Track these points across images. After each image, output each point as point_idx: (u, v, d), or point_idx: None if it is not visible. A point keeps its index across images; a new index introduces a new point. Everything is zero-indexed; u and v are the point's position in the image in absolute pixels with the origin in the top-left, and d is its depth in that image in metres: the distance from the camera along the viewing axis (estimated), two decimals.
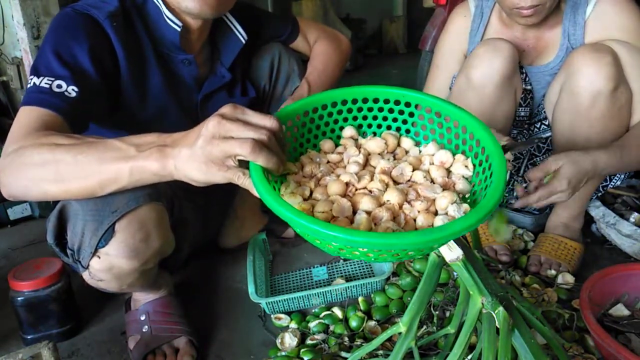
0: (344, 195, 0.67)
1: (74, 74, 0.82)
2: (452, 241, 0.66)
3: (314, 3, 3.90)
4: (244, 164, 0.62)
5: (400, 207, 0.65)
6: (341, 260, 1.28)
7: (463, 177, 0.70)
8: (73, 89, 0.81)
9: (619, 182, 1.23)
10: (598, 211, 1.27)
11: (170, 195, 0.93)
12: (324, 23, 3.81)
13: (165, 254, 0.92)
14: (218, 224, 1.32)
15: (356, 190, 0.68)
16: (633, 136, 1.04)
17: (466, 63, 1.14)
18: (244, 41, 1.08)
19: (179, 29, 0.95)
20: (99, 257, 0.81)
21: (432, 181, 0.70)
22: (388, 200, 0.65)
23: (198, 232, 1.18)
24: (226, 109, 0.63)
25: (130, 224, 0.80)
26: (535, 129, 1.23)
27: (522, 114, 1.19)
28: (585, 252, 1.23)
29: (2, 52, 2.23)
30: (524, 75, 1.17)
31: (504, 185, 0.61)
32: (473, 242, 1.25)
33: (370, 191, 0.67)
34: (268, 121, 0.62)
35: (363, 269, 1.24)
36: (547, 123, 1.20)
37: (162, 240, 0.87)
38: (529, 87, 1.18)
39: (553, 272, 1.14)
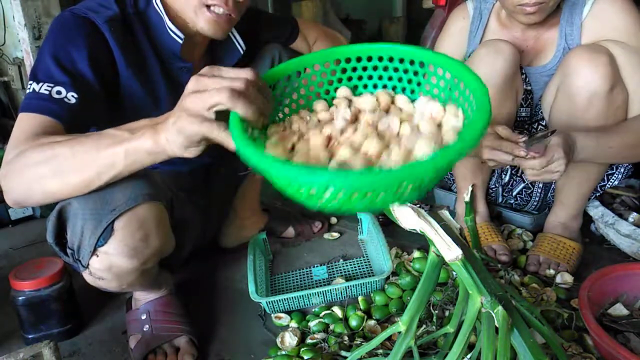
0: (326, 148, 0.64)
1: (73, 79, 0.83)
2: (451, 240, 0.67)
3: (314, 4, 3.90)
4: (222, 117, 0.62)
5: (379, 156, 0.61)
6: (341, 260, 1.29)
7: (453, 129, 0.63)
8: (73, 95, 0.82)
9: (616, 182, 1.23)
10: (597, 211, 1.27)
11: (171, 196, 0.93)
12: (324, 24, 3.81)
13: (166, 254, 0.92)
14: (218, 224, 1.33)
15: (338, 143, 0.64)
16: (618, 129, 1.04)
17: (467, 64, 1.14)
18: (242, 52, 1.08)
19: (180, 42, 0.95)
20: (98, 256, 0.81)
21: None
22: (367, 152, 0.61)
23: (198, 232, 1.19)
24: (203, 69, 0.65)
25: (129, 223, 0.80)
26: (533, 130, 1.23)
27: (524, 114, 1.19)
28: (584, 252, 1.23)
29: (3, 53, 2.24)
30: (524, 75, 1.17)
31: (487, 117, 0.55)
32: (472, 241, 1.26)
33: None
34: (244, 73, 0.63)
35: (363, 268, 1.25)
36: (544, 124, 1.20)
37: (162, 239, 0.87)
38: (529, 88, 1.19)
39: (552, 271, 1.14)
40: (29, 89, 0.82)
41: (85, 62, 0.85)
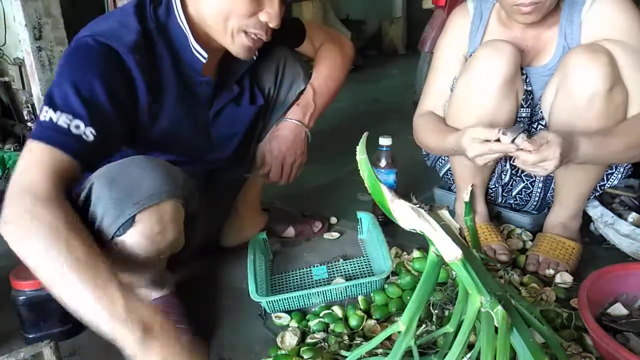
0: None
1: (92, 112, 0.82)
2: (450, 240, 0.67)
3: (314, 4, 3.90)
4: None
5: None
6: (341, 260, 1.29)
7: None
8: (91, 132, 0.81)
9: (616, 182, 1.23)
10: (596, 211, 1.27)
11: (188, 195, 0.93)
12: (324, 24, 3.82)
13: (175, 250, 0.94)
14: (220, 223, 1.33)
15: None
16: (620, 130, 1.04)
17: (468, 64, 1.15)
18: (255, 58, 1.09)
19: (204, 61, 0.97)
20: (116, 245, 0.82)
21: None
22: None
23: (201, 231, 1.19)
24: None
25: (150, 217, 0.82)
26: (533, 130, 1.23)
27: (524, 114, 1.20)
28: (584, 252, 1.23)
29: (4, 53, 2.24)
30: (524, 76, 1.17)
31: None
32: (471, 241, 1.26)
33: None
34: None
35: (363, 268, 1.25)
36: (544, 123, 1.20)
37: (176, 234, 0.88)
38: (529, 88, 1.19)
39: (551, 271, 1.14)
40: (45, 116, 0.80)
41: (105, 94, 0.84)
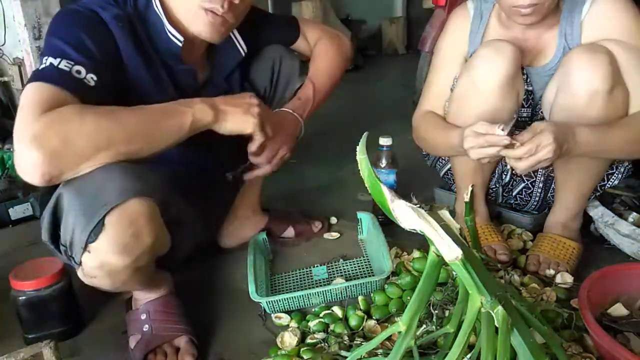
0: None
1: (90, 61, 0.82)
2: (451, 240, 0.67)
3: (314, 4, 3.90)
4: None
5: None
6: (341, 260, 1.29)
7: None
8: (92, 78, 0.81)
9: (617, 182, 1.23)
10: (597, 211, 1.27)
11: (164, 195, 0.92)
12: (324, 24, 3.81)
13: (160, 253, 0.91)
14: (218, 224, 1.33)
15: None
16: (621, 122, 1.04)
17: (469, 64, 1.14)
18: (243, 54, 1.08)
19: (180, 44, 0.96)
20: (90, 253, 0.79)
21: None
22: None
23: (198, 232, 1.18)
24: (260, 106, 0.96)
25: (120, 219, 0.78)
26: None
27: (524, 114, 1.20)
28: (584, 252, 1.23)
29: (4, 53, 2.24)
30: (525, 76, 1.17)
31: None
32: (472, 241, 1.26)
33: None
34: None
35: (363, 268, 1.25)
36: None
37: (154, 237, 0.84)
38: (530, 88, 1.19)
39: (552, 271, 1.14)
40: (44, 63, 0.79)
41: (95, 47, 0.84)
